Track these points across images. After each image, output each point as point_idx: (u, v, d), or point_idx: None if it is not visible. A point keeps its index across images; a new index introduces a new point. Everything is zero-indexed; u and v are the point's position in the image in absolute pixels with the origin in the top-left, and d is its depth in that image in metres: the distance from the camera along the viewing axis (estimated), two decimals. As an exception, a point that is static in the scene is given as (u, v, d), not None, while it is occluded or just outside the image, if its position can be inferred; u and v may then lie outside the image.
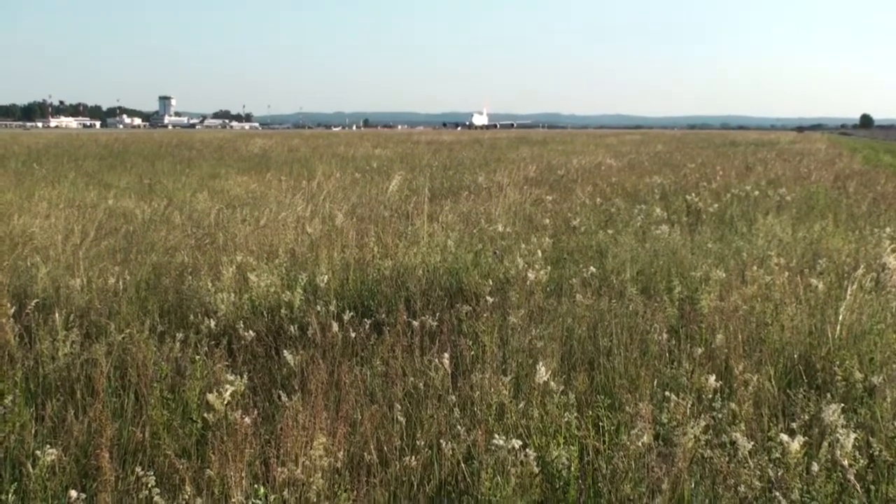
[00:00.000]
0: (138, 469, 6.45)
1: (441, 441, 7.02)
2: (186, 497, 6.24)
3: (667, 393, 7.71)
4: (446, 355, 8.52)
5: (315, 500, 6.21)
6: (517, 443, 6.55)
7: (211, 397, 7.50)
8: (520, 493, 6.42)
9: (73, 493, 6.04)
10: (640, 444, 6.78)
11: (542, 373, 7.80)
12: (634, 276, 12.60)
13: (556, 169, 36.84)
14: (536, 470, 6.53)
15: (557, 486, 6.68)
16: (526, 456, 6.52)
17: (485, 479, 6.52)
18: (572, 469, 6.75)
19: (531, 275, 12.04)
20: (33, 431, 7.47)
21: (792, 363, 9.19)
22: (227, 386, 7.65)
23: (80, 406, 7.89)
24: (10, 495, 6.43)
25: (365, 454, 6.94)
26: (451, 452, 6.88)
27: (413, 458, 6.84)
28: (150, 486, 6.23)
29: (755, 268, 12.76)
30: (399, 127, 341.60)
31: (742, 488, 6.50)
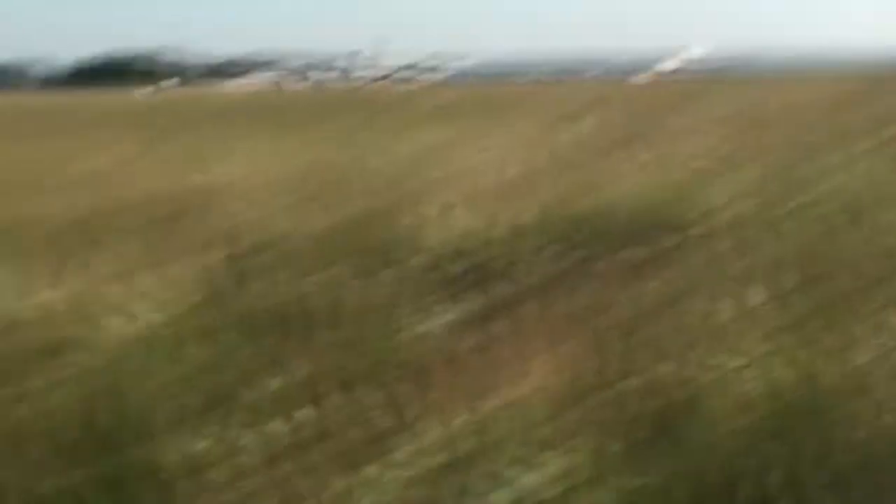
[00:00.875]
0: (361, 394, 6.57)
1: (658, 365, 6.96)
2: (410, 419, 6.30)
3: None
4: (658, 282, 8.47)
5: (535, 421, 6.22)
6: (738, 362, 6.47)
7: (425, 328, 7.60)
8: (742, 412, 6.33)
9: (299, 413, 6.19)
10: (866, 361, 6.64)
11: (761, 294, 7.68)
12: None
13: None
14: (759, 389, 6.43)
15: (780, 405, 6.57)
16: (748, 376, 6.43)
17: (705, 400, 6.44)
18: (795, 387, 6.64)
19: (738, 203, 11.88)
20: (253, 366, 7.61)
21: None
22: (440, 317, 7.74)
23: (297, 340, 8.02)
24: (238, 414, 6.59)
25: (581, 380, 6.91)
26: (669, 377, 6.81)
27: (630, 382, 6.78)
28: (373, 407, 6.35)
29: None
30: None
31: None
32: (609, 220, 12.15)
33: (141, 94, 79.80)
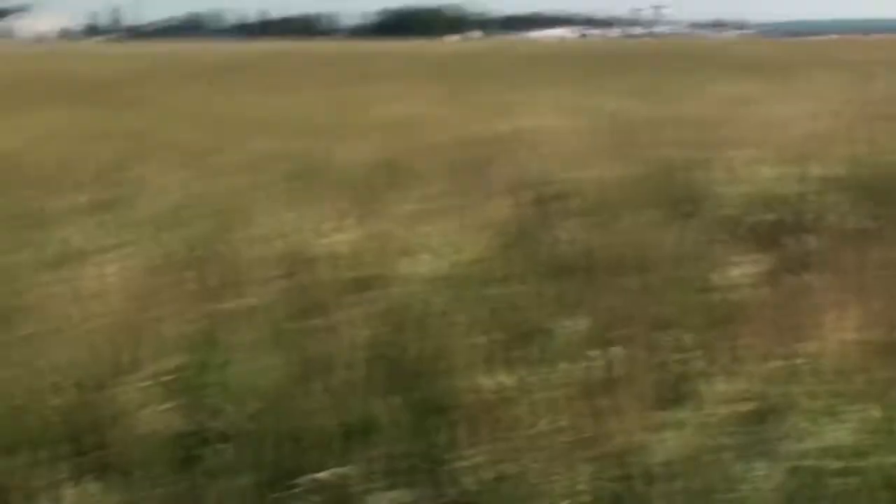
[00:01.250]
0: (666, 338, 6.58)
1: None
2: (715, 365, 6.25)
3: None
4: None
5: (843, 372, 6.08)
6: None
7: (731, 276, 7.58)
8: None
9: (602, 354, 6.26)
10: None
11: None
12: None
13: None
14: None
15: None
16: None
17: None
18: None
19: None
20: (555, 307, 7.65)
21: None
22: (747, 266, 7.70)
23: (598, 284, 8.04)
24: (541, 353, 6.64)
25: (892, 332, 6.70)
26: None
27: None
28: (678, 351, 6.35)
29: None
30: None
31: None
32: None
33: (447, 42, 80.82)
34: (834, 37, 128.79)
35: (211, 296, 7.98)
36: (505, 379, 6.15)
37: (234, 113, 22.54)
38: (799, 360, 6.21)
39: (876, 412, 5.47)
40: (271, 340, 6.95)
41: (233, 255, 9.08)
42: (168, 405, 5.94)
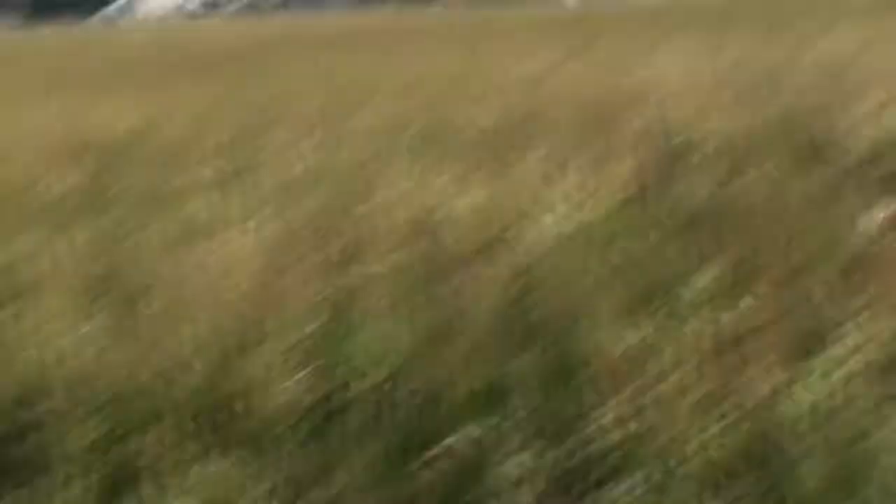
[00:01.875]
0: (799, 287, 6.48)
1: None
2: (850, 313, 6.14)
3: None
4: None
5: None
6: None
7: (862, 223, 7.44)
8: None
9: (736, 306, 6.18)
10: None
11: None
12: None
13: None
14: None
15: None
16: None
17: None
18: None
19: None
20: (685, 260, 7.55)
21: None
22: (877, 212, 7.55)
23: (730, 235, 7.92)
24: (674, 307, 6.57)
25: None
26: None
27: None
28: (812, 301, 6.26)
29: None
30: None
31: None
32: None
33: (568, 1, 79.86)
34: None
35: (337, 265, 8.02)
36: (634, 337, 6.10)
37: (358, 78, 22.49)
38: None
39: None
40: (399, 307, 6.95)
41: (358, 225, 9.09)
42: (296, 377, 5.97)
